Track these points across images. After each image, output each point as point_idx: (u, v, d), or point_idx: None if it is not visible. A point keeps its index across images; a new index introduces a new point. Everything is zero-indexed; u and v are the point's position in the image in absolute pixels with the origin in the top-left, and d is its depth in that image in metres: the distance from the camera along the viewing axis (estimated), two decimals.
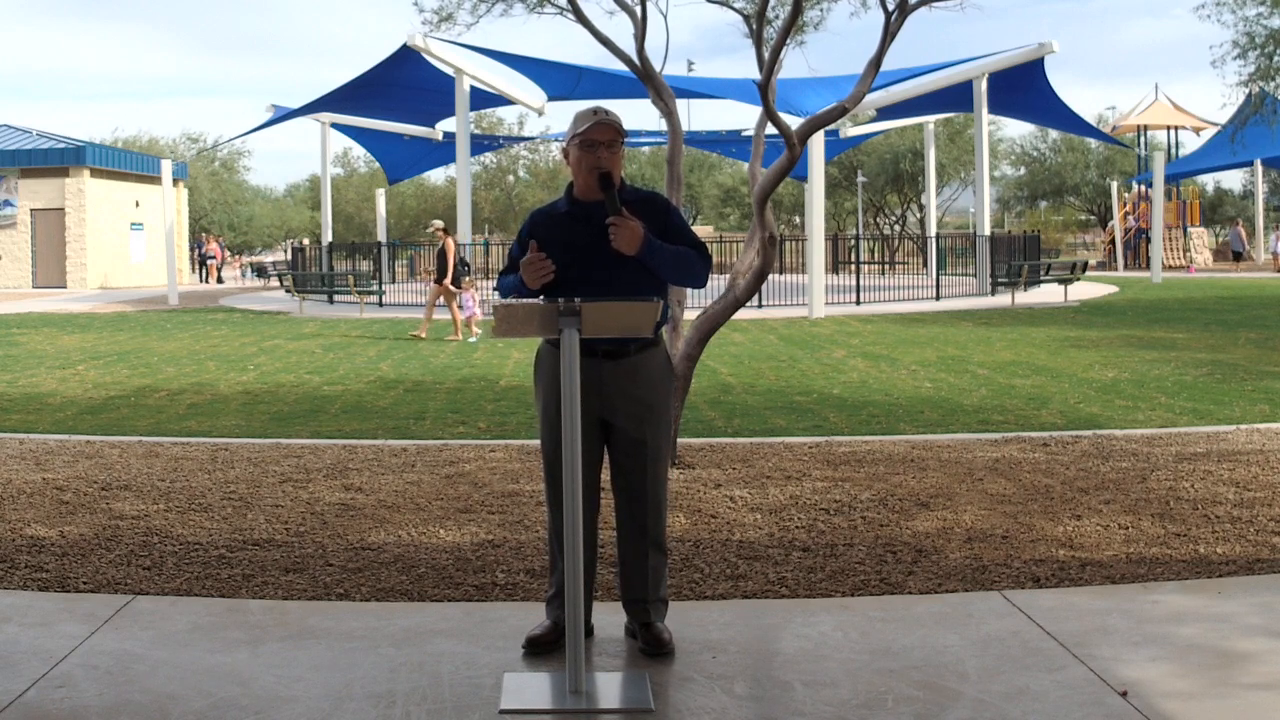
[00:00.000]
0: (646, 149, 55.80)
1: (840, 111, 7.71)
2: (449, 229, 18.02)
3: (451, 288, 17.37)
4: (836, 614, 4.50)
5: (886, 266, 37.54)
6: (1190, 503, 6.26)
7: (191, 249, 43.69)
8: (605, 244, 3.94)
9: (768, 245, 7.40)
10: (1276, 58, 21.66)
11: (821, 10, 9.67)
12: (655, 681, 3.83)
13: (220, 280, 41.82)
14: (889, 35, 7.49)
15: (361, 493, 6.70)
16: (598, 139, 3.99)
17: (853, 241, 36.57)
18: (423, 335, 17.20)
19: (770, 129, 7.91)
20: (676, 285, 4.08)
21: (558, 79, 28.40)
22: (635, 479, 4.08)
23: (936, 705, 3.63)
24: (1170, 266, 39.26)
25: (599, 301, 3.74)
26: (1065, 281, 24.69)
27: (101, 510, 6.31)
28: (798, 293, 23.65)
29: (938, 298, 24.80)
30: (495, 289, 4.17)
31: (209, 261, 42.15)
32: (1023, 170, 57.58)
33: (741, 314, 14.23)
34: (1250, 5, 21.02)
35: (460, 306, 17.40)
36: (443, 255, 17.49)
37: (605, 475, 4.20)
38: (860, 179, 50.08)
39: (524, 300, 3.88)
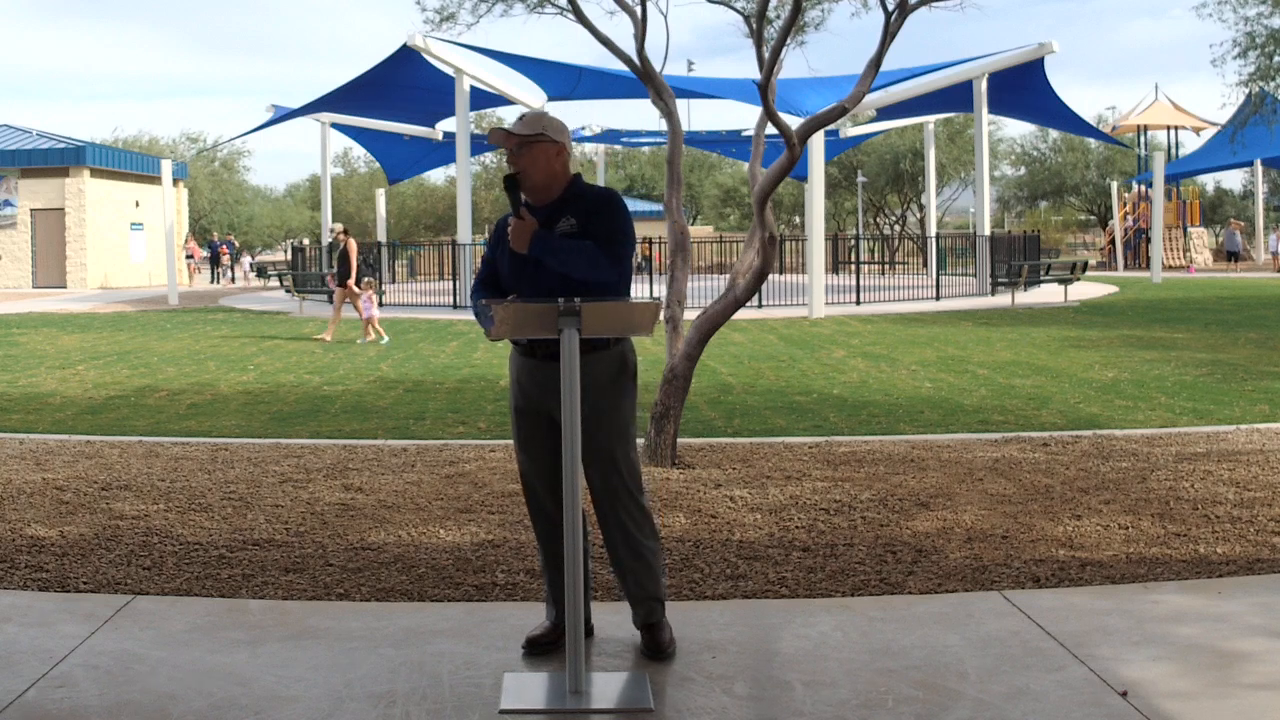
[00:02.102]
0: (647, 149, 55.81)
1: (840, 111, 7.71)
2: (349, 230, 18.23)
3: (355, 289, 17.38)
4: (836, 614, 4.50)
5: (886, 266, 37.53)
6: (1190, 503, 6.26)
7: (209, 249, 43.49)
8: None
9: (768, 245, 7.40)
10: (1277, 58, 21.64)
11: (822, 10, 9.68)
12: (655, 681, 3.83)
13: (214, 280, 41.45)
14: (889, 35, 7.49)
15: (361, 493, 6.70)
16: (502, 148, 4.15)
17: (853, 241, 36.57)
18: (328, 338, 17.05)
19: (770, 129, 7.91)
20: (582, 278, 4.05)
21: (558, 79, 28.39)
22: (595, 483, 4.11)
23: (936, 705, 3.63)
24: (1170, 266, 39.26)
25: (599, 302, 3.77)
26: (1065, 281, 24.69)
27: (101, 510, 6.31)
28: (798, 293, 23.64)
29: (938, 298, 24.79)
30: (470, 298, 4.22)
31: (188, 261, 41.05)
32: (1023, 170, 57.57)
33: (741, 314, 14.23)
34: (1251, 4, 21.01)
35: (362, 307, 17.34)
36: (344, 257, 17.62)
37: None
38: (860, 179, 50.07)
39: (524, 301, 3.92)
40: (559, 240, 4.02)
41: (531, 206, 4.11)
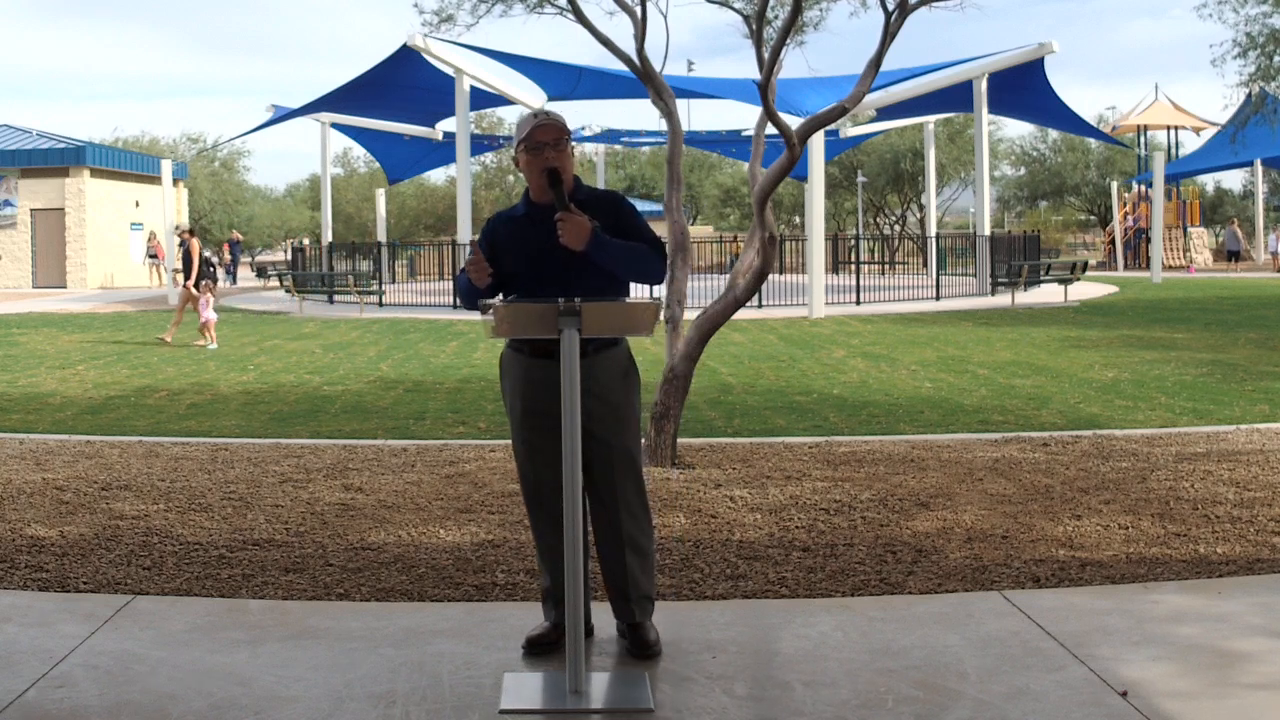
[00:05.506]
0: (646, 149, 55.76)
1: (840, 111, 7.71)
2: (194, 230, 18.15)
3: (193, 290, 17.18)
4: (836, 614, 4.50)
5: (886, 266, 37.51)
6: (1190, 503, 6.26)
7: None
8: (559, 244, 3.94)
9: (768, 245, 7.40)
10: (1277, 58, 21.63)
11: (821, 10, 9.66)
12: (655, 681, 3.83)
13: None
14: (889, 35, 7.49)
15: (361, 493, 6.70)
16: (543, 140, 4.03)
17: (853, 241, 36.55)
18: (169, 340, 16.78)
19: (770, 129, 7.91)
20: (632, 281, 4.07)
21: (558, 79, 28.40)
22: (602, 480, 4.06)
23: (936, 705, 3.63)
24: (1170, 266, 39.25)
25: (598, 301, 3.76)
26: (1065, 281, 24.68)
27: (101, 510, 6.31)
28: (798, 293, 23.64)
29: (938, 298, 24.79)
30: (457, 284, 4.24)
31: (152, 260, 37.30)
32: (1023, 170, 57.52)
33: (741, 314, 14.22)
34: (1252, 3, 20.99)
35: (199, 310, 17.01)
36: (188, 257, 17.48)
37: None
38: (860, 179, 50.05)
39: (523, 301, 3.91)
40: (612, 240, 3.97)
41: (541, 207, 4.06)
